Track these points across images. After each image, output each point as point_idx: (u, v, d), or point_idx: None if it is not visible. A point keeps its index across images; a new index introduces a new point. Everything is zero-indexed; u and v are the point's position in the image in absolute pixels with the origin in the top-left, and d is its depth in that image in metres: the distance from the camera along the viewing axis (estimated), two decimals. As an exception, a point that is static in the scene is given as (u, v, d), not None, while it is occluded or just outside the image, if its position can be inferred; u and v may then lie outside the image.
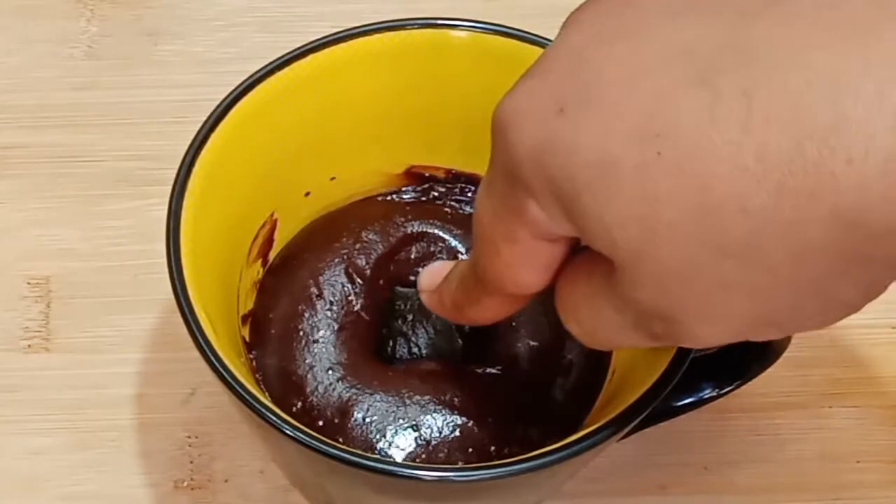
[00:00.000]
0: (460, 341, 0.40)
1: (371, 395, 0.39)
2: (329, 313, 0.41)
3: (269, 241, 0.41)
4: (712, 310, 0.26)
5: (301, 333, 0.40)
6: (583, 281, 0.29)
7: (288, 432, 0.32)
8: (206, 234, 0.36)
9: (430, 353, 0.40)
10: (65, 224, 0.48)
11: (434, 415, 0.39)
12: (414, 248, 0.42)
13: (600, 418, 0.33)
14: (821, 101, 0.23)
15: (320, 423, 0.38)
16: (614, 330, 0.29)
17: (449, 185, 0.44)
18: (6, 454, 0.44)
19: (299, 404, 0.39)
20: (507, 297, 0.32)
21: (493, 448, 0.39)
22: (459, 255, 0.42)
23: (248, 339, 0.40)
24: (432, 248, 0.42)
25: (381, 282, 0.41)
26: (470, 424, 0.39)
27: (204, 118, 0.37)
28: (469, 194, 0.43)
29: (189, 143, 0.37)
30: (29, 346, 0.46)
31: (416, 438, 0.38)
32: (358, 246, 0.42)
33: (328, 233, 0.43)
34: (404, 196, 0.44)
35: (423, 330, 0.39)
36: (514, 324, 0.40)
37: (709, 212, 0.24)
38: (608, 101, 0.26)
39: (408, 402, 0.39)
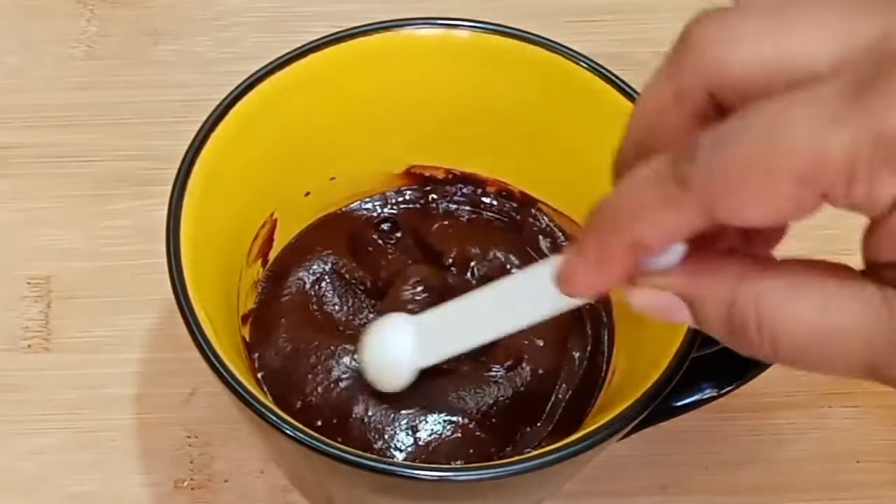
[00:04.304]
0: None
1: (371, 395, 0.39)
2: (329, 313, 0.41)
3: (269, 241, 0.41)
4: None
5: (301, 334, 0.40)
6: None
7: (288, 432, 0.32)
8: (206, 234, 0.36)
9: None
10: (65, 224, 0.48)
11: (434, 415, 0.39)
12: (414, 248, 0.42)
13: (600, 418, 0.33)
14: None
15: (320, 423, 0.38)
16: None
17: (449, 185, 0.44)
18: (6, 454, 0.44)
19: (299, 404, 0.39)
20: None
21: (493, 448, 0.39)
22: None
23: (248, 339, 0.40)
24: (432, 248, 0.42)
25: (381, 282, 0.41)
26: (470, 425, 0.39)
27: (204, 118, 0.37)
28: (469, 194, 0.43)
29: (189, 143, 0.37)
30: (29, 346, 0.46)
31: (415, 438, 0.38)
32: (358, 246, 0.42)
33: (328, 233, 0.43)
34: (404, 196, 0.44)
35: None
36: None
37: None
38: None
39: (408, 402, 0.39)
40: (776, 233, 0.29)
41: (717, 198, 0.25)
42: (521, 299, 0.33)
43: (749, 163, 0.24)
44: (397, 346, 0.37)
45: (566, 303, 0.31)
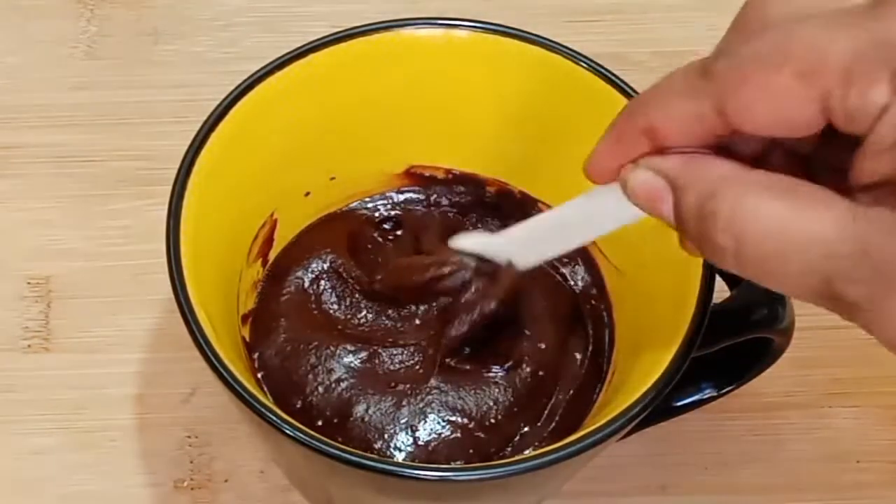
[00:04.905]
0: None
1: (371, 394, 0.39)
2: (329, 313, 0.41)
3: (269, 241, 0.41)
4: None
5: (301, 334, 0.40)
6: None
7: (288, 432, 0.32)
8: (206, 234, 0.36)
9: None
10: (65, 224, 0.48)
11: (434, 415, 0.39)
12: (414, 247, 0.42)
13: (600, 418, 0.33)
14: None
15: (320, 423, 0.38)
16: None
17: (449, 185, 0.43)
18: (6, 454, 0.44)
19: (299, 404, 0.39)
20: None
21: (493, 448, 0.39)
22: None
23: (248, 339, 0.40)
24: (432, 247, 0.42)
25: (381, 282, 0.41)
26: (470, 425, 0.39)
27: (204, 118, 0.37)
28: (468, 194, 0.43)
29: (189, 143, 0.37)
30: (29, 346, 0.46)
31: (415, 438, 0.38)
32: (358, 246, 0.42)
33: (328, 233, 0.43)
34: (404, 196, 0.44)
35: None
36: (516, 324, 0.41)
37: None
38: None
39: (408, 401, 0.39)
40: None
41: (728, 90, 0.26)
42: (595, 213, 0.34)
43: (759, 58, 0.26)
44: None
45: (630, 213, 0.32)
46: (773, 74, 0.25)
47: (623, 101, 0.38)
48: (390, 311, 0.41)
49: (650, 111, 0.28)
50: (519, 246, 0.37)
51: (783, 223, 0.26)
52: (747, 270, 0.27)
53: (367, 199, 0.44)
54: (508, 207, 0.43)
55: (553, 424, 0.39)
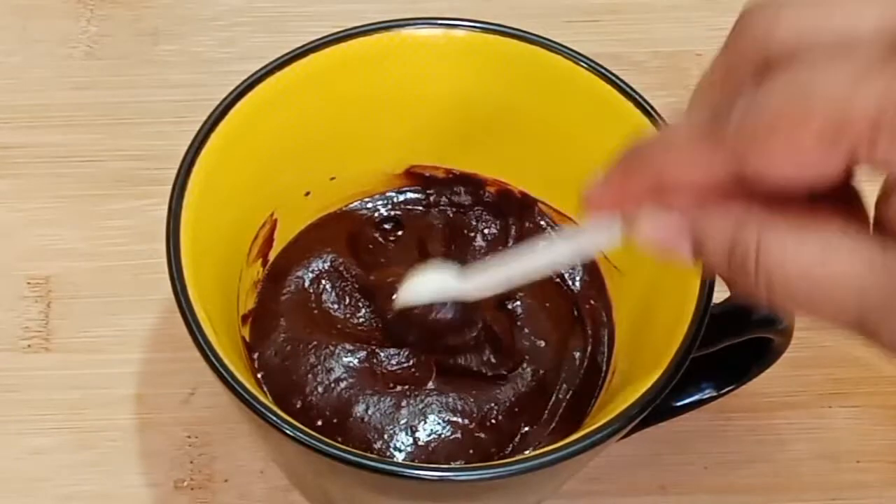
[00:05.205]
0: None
1: (371, 395, 0.39)
2: (329, 313, 0.41)
3: (269, 241, 0.41)
4: None
5: (300, 333, 0.40)
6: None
7: (288, 432, 0.32)
8: (206, 234, 0.36)
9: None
10: (65, 224, 0.48)
11: (434, 415, 0.39)
12: (413, 248, 0.42)
13: (600, 418, 0.33)
14: None
15: (320, 423, 0.38)
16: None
17: (449, 185, 0.43)
18: (6, 454, 0.44)
19: (299, 404, 0.39)
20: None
21: (493, 448, 0.39)
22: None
23: (248, 339, 0.40)
24: (432, 247, 0.42)
25: (380, 282, 0.41)
26: (470, 425, 0.39)
27: (204, 118, 0.37)
28: (469, 194, 0.43)
29: (189, 143, 0.37)
30: (29, 346, 0.46)
31: (415, 438, 0.38)
32: (358, 245, 0.42)
33: (328, 233, 0.43)
34: (404, 196, 0.44)
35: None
36: (517, 324, 0.41)
37: None
38: None
39: (408, 402, 0.39)
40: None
41: (748, 148, 0.25)
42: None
43: (779, 113, 0.25)
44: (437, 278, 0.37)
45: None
46: (795, 136, 0.24)
47: (623, 101, 0.38)
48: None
49: (657, 166, 0.28)
50: (476, 287, 0.36)
51: (813, 267, 0.26)
52: (782, 305, 0.27)
53: (367, 199, 0.44)
54: (508, 207, 0.43)
55: (553, 424, 0.39)
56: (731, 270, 0.27)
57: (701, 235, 0.28)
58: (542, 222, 0.43)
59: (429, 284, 0.37)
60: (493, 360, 0.40)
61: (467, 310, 0.38)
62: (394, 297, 0.38)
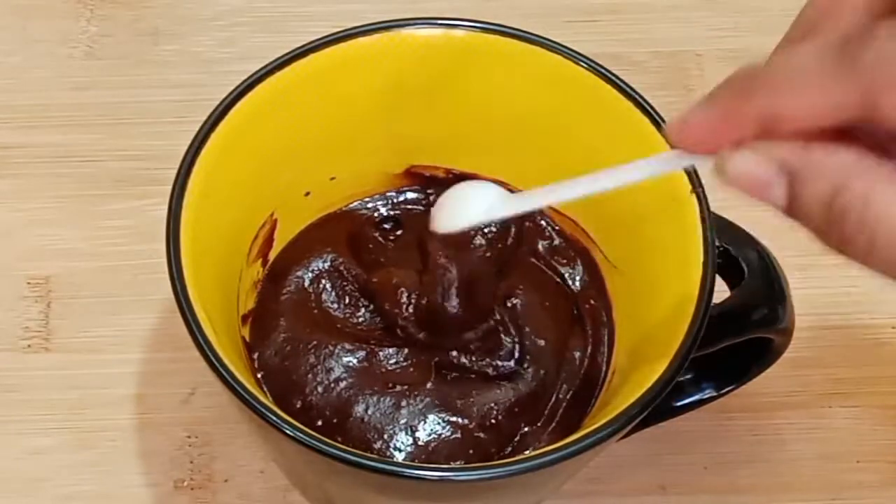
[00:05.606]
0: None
1: (371, 394, 0.39)
2: (329, 312, 0.41)
3: (269, 241, 0.41)
4: None
5: (300, 333, 0.40)
6: None
7: (288, 432, 0.32)
8: (206, 234, 0.36)
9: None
10: (65, 224, 0.48)
11: (434, 415, 0.39)
12: (413, 248, 0.42)
13: (600, 418, 0.33)
14: None
15: (320, 423, 0.38)
16: None
17: (449, 185, 0.43)
18: (6, 454, 0.44)
19: (299, 404, 0.39)
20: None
21: (493, 448, 0.39)
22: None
23: (248, 339, 0.40)
24: (431, 247, 0.42)
25: (381, 283, 0.41)
26: (470, 425, 0.39)
27: (204, 118, 0.37)
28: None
29: (189, 143, 0.37)
30: (29, 346, 0.46)
31: (415, 438, 0.38)
32: (358, 245, 0.42)
33: (328, 233, 0.43)
34: (404, 196, 0.44)
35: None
36: (518, 324, 0.41)
37: None
38: None
39: (408, 402, 0.39)
40: None
41: (884, 87, 0.24)
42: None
43: None
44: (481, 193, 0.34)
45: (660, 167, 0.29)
46: None
47: (623, 100, 0.38)
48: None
49: (775, 97, 0.25)
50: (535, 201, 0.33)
51: None
52: (877, 266, 0.25)
53: (367, 199, 0.44)
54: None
55: (553, 424, 0.39)
56: (829, 220, 0.25)
57: (803, 178, 0.25)
58: (542, 222, 0.43)
59: (475, 202, 0.33)
60: (493, 360, 0.40)
61: (482, 299, 0.38)
62: (431, 223, 0.35)
